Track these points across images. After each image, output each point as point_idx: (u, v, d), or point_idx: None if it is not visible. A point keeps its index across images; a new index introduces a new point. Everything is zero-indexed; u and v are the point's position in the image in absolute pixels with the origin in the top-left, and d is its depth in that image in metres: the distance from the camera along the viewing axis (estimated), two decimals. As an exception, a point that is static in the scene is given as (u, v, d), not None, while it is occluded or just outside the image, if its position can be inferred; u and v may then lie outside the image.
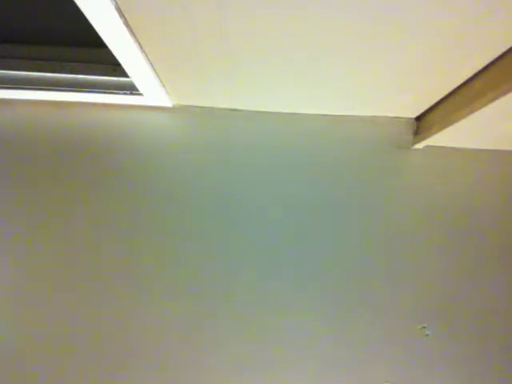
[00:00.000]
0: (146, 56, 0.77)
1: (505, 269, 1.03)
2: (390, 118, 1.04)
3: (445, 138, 0.97)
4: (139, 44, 0.72)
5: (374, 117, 1.04)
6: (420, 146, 1.03)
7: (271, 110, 1.04)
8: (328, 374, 0.99)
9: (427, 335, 1.00)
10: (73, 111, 1.02)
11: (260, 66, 0.78)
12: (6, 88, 0.94)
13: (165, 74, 0.85)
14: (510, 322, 1.02)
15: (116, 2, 0.60)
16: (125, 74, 0.86)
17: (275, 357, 0.99)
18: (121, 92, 0.95)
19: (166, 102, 1.00)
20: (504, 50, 0.67)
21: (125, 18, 0.64)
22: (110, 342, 0.98)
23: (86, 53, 0.95)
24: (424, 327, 1.00)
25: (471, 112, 0.79)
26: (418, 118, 1.04)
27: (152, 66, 0.81)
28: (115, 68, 0.93)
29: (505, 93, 0.69)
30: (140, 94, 0.94)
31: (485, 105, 0.75)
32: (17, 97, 0.99)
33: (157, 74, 0.84)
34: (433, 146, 1.05)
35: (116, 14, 0.62)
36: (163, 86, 0.91)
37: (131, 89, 0.94)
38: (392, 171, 1.05)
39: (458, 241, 1.04)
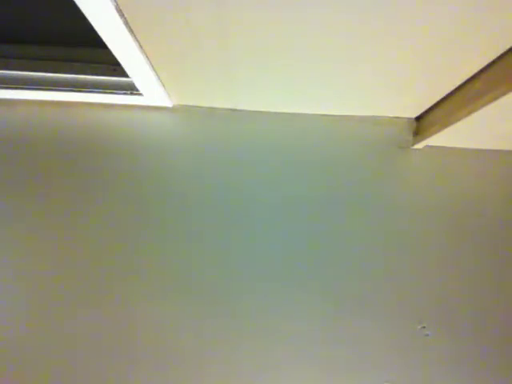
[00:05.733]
0: (146, 56, 0.77)
1: (505, 269, 1.03)
2: (390, 117, 1.04)
3: (445, 138, 0.97)
4: (139, 44, 0.72)
5: (374, 117, 1.04)
6: (420, 145, 1.03)
7: (271, 110, 1.04)
8: (328, 374, 0.99)
9: (427, 335, 1.00)
10: (73, 111, 1.02)
11: (260, 65, 0.78)
12: (6, 88, 0.94)
13: (165, 74, 0.85)
14: (509, 321, 1.02)
15: (116, 2, 0.60)
16: (125, 74, 0.86)
17: (275, 357, 0.99)
18: (121, 92, 0.95)
19: (166, 102, 1.00)
20: (504, 50, 0.67)
21: (125, 18, 0.64)
22: (110, 342, 0.97)
23: (86, 53, 0.95)
24: (424, 327, 1.00)
25: (471, 112, 0.79)
26: (418, 118, 1.04)
27: (152, 66, 0.81)
28: (115, 68, 0.93)
29: (505, 93, 0.69)
30: (140, 94, 0.94)
31: (485, 105, 0.75)
32: (17, 97, 0.99)
33: (157, 73, 0.84)
34: (433, 146, 1.05)
35: (116, 14, 0.62)
36: (163, 85, 0.91)
37: (131, 89, 0.94)
38: (392, 171, 1.05)
39: (458, 241, 1.04)
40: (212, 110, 1.03)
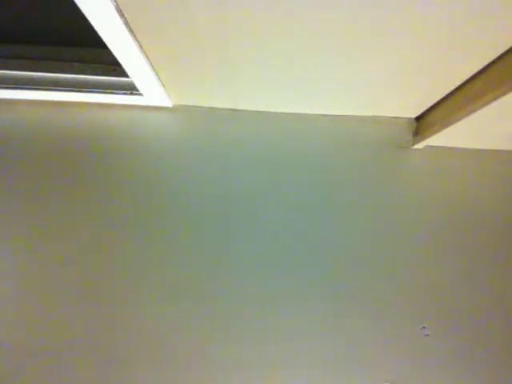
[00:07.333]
0: (146, 56, 0.77)
1: (505, 269, 1.03)
2: (390, 117, 1.04)
3: (445, 138, 0.97)
4: (139, 44, 0.72)
5: (374, 117, 1.04)
6: (420, 146, 1.03)
7: (271, 110, 1.04)
8: (328, 373, 0.99)
9: (427, 335, 1.00)
10: (73, 111, 1.02)
11: (260, 66, 0.78)
12: (6, 88, 0.94)
13: (165, 74, 0.85)
14: (509, 321, 1.02)
15: (116, 2, 0.60)
16: (125, 74, 0.86)
17: (275, 357, 0.99)
18: (121, 92, 0.95)
19: (166, 101, 1.00)
20: (504, 50, 0.67)
21: (125, 18, 0.64)
22: (110, 342, 0.97)
23: (86, 53, 0.95)
24: (424, 327, 1.00)
25: (471, 112, 0.79)
26: (418, 118, 1.04)
27: (152, 66, 0.81)
28: (115, 68, 0.93)
29: (505, 93, 0.69)
30: (140, 94, 0.94)
31: (485, 105, 0.75)
32: (17, 97, 0.98)
33: (157, 73, 0.84)
34: (433, 146, 1.05)
35: (116, 14, 0.62)
36: (163, 85, 0.91)
37: (131, 89, 0.94)
38: (392, 171, 1.05)
39: (457, 241, 1.04)
40: (212, 110, 1.03)
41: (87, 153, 1.02)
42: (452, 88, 0.84)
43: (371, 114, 1.03)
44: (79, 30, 0.81)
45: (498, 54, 0.69)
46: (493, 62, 0.72)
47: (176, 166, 1.02)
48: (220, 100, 0.99)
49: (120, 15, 0.62)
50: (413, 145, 1.04)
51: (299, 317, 1.00)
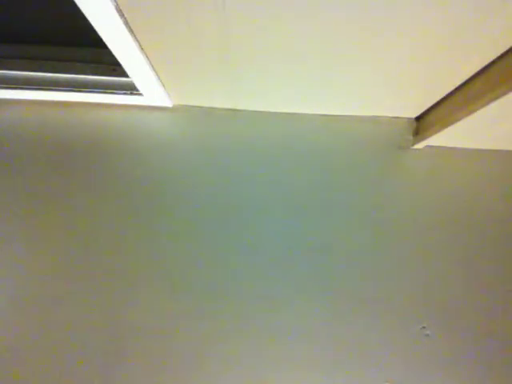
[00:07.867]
0: (146, 56, 0.77)
1: (505, 269, 1.03)
2: (390, 117, 1.04)
3: (445, 138, 0.97)
4: (139, 44, 0.72)
5: (374, 117, 1.04)
6: (420, 146, 1.03)
7: (271, 110, 1.04)
8: (328, 373, 0.99)
9: (427, 335, 1.00)
10: (73, 111, 1.02)
11: (260, 66, 0.79)
12: (5, 88, 0.94)
13: (165, 74, 0.85)
14: (509, 322, 1.01)
15: (116, 2, 0.60)
16: (125, 74, 0.86)
17: (275, 357, 0.99)
18: (121, 92, 0.95)
19: (166, 101, 1.00)
20: (504, 50, 0.67)
21: (125, 18, 0.64)
22: (109, 341, 0.97)
23: (86, 53, 0.95)
24: (424, 327, 1.00)
25: (471, 112, 0.79)
26: (418, 118, 1.04)
27: (152, 66, 0.81)
28: (115, 68, 0.93)
29: (505, 93, 0.69)
30: (140, 94, 0.95)
31: (485, 105, 0.75)
32: (17, 97, 0.99)
33: (157, 74, 0.84)
34: (433, 146, 1.05)
35: (116, 14, 0.62)
36: (163, 85, 0.91)
37: (131, 89, 0.94)
38: (392, 171, 1.05)
39: (457, 241, 1.04)
40: (212, 110, 1.03)
41: (87, 153, 1.02)
42: (452, 88, 0.84)
43: (371, 114, 1.03)
44: (79, 30, 0.81)
45: (498, 54, 0.69)
46: (493, 62, 0.72)
47: (176, 166, 1.02)
48: (220, 100, 0.99)
49: (120, 15, 0.62)
50: (413, 145, 1.04)
51: (299, 317, 1.00)
